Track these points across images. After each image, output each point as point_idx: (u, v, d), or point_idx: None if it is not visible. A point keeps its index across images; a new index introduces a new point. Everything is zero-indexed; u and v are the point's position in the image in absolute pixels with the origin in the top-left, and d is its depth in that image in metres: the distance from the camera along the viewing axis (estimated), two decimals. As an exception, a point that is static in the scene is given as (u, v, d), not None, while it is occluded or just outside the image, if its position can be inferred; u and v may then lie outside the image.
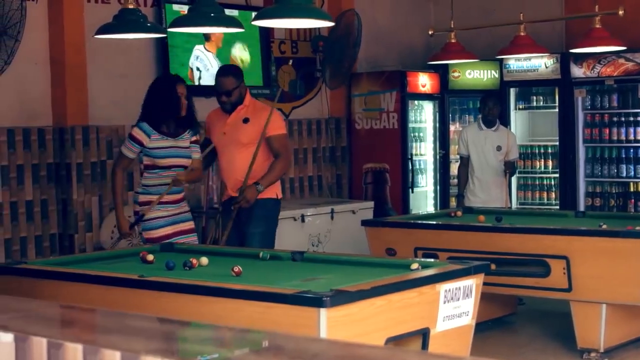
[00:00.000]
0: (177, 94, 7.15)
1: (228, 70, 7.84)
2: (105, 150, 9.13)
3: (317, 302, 4.36)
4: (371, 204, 10.80)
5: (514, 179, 11.47)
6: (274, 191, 7.66)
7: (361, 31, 11.08)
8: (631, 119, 11.19)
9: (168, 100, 7.17)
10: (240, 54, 10.43)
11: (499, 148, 9.63)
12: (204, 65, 10.12)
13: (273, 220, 7.73)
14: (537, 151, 11.93)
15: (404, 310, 4.83)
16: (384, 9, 12.34)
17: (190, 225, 7.39)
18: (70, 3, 8.87)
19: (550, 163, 11.82)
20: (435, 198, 12.12)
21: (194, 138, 7.37)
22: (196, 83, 9.95)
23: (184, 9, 9.51)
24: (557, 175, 11.64)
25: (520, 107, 12.04)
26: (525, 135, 12.05)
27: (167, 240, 6.97)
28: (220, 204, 8.03)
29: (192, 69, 9.88)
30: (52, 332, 2.52)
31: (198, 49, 10.01)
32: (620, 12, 8.77)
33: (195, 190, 9.72)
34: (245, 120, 7.55)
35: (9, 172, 8.58)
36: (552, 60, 11.40)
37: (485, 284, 5.41)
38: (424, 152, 12.05)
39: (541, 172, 11.89)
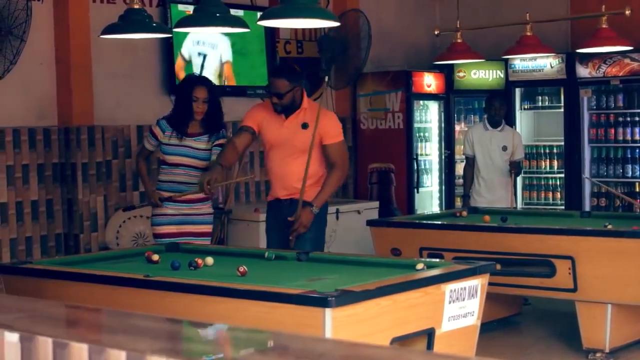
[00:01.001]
0: (190, 96, 7.18)
1: (281, 71, 7.35)
2: (110, 150, 9.14)
3: (322, 302, 4.35)
4: (376, 204, 10.80)
5: (519, 179, 11.46)
6: None
7: (371, 36, 11.06)
8: (637, 119, 11.18)
9: (180, 102, 7.30)
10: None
11: (504, 148, 9.61)
12: (210, 45, 10.07)
13: (323, 224, 7.35)
14: (542, 151, 11.92)
15: (409, 311, 4.83)
16: (389, 9, 12.33)
17: (203, 228, 7.32)
18: (75, 3, 8.88)
19: (555, 163, 11.81)
20: (440, 198, 12.12)
21: (219, 142, 7.33)
22: (197, 71, 9.84)
23: (189, 8, 9.51)
24: (562, 175, 11.63)
25: (526, 107, 12.03)
26: (530, 135, 12.04)
27: (173, 240, 6.96)
28: (267, 204, 7.50)
29: (185, 59, 9.82)
30: (58, 332, 2.52)
31: (195, 34, 9.85)
32: (627, 12, 8.76)
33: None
34: (304, 126, 7.06)
35: (14, 171, 8.59)
36: (557, 60, 11.39)
37: (490, 284, 5.41)
38: (429, 152, 12.05)
39: (546, 172, 11.89)
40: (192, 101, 7.19)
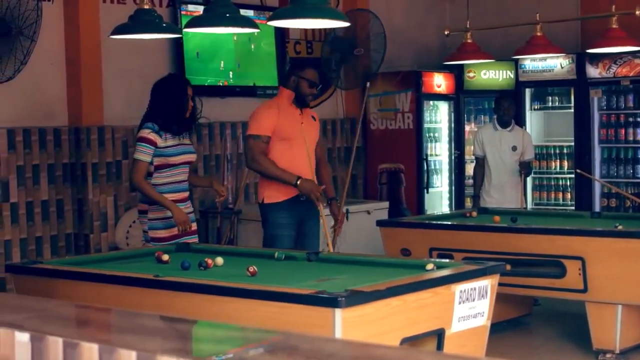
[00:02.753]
0: (186, 94, 7.08)
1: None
2: (120, 150, 9.15)
3: (332, 302, 4.36)
4: (386, 204, 10.79)
5: (529, 180, 11.45)
6: (260, 196, 7.70)
7: (385, 37, 11.06)
8: (647, 119, 11.17)
9: (173, 101, 7.06)
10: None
11: (514, 148, 9.60)
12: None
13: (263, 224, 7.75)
14: (552, 152, 11.91)
15: (419, 311, 4.83)
16: (399, 9, 12.32)
17: (194, 225, 7.21)
18: (85, 3, 8.89)
19: (565, 163, 11.79)
20: (450, 198, 12.11)
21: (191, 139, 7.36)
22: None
23: (199, 9, 9.52)
24: (572, 175, 11.61)
25: (536, 107, 12.01)
26: (540, 135, 12.02)
27: (169, 243, 6.89)
28: (278, 204, 7.52)
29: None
30: (68, 332, 2.52)
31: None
32: (637, 12, 8.73)
33: (210, 190, 9.73)
34: (314, 118, 7.72)
35: (24, 172, 8.61)
36: (567, 60, 11.37)
37: (500, 284, 5.40)
38: (439, 152, 12.04)
39: (556, 173, 11.87)
40: (187, 99, 7.10)
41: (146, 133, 6.96)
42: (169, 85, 7.16)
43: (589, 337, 7.39)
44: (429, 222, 8.58)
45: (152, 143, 6.96)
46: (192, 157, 7.20)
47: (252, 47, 10.33)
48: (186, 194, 7.17)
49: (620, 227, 7.51)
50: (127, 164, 9.19)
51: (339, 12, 7.03)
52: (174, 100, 7.05)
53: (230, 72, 10.12)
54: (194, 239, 7.14)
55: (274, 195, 7.47)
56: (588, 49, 9.94)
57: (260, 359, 2.24)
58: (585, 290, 7.28)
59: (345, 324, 4.35)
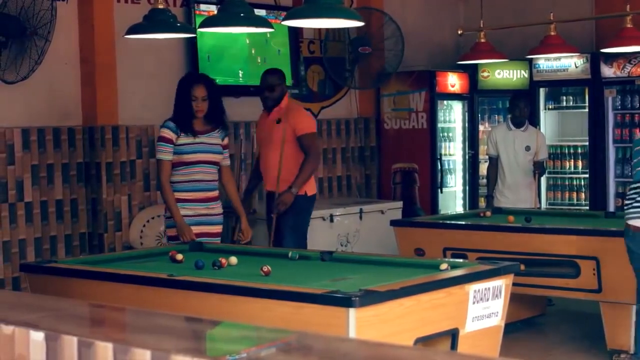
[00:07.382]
0: (190, 95, 7.10)
1: (274, 70, 8.45)
2: (134, 150, 9.16)
3: (346, 302, 4.36)
4: (400, 204, 10.78)
5: (543, 179, 11.42)
6: (303, 189, 8.04)
7: (402, 38, 11.09)
8: (662, 119, 11.13)
9: (180, 102, 7.17)
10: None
11: (528, 148, 9.58)
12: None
13: (303, 214, 8.20)
14: (566, 151, 11.87)
15: (433, 311, 4.82)
16: (413, 9, 12.31)
17: (216, 229, 7.24)
18: (100, 3, 8.91)
19: (580, 163, 11.76)
20: (464, 198, 12.10)
21: (224, 142, 7.33)
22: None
23: (212, 9, 9.53)
24: (586, 175, 11.57)
25: (550, 107, 11.98)
26: (554, 135, 11.99)
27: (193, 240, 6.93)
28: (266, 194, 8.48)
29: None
30: (83, 331, 2.53)
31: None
32: (652, 12, 8.71)
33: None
34: (278, 121, 8.02)
35: (39, 171, 8.63)
36: (582, 60, 11.34)
37: (514, 284, 5.40)
38: (453, 152, 12.03)
39: (571, 173, 11.83)
40: (191, 100, 7.10)
41: (163, 132, 7.13)
42: (177, 86, 7.28)
43: (603, 338, 7.38)
44: (443, 221, 8.56)
45: (168, 141, 7.08)
46: (212, 157, 7.18)
47: (266, 46, 10.32)
48: (209, 194, 7.15)
49: (634, 227, 7.48)
50: (141, 163, 9.21)
51: (353, 11, 7.01)
52: (180, 102, 7.16)
53: (240, 72, 10.13)
54: (216, 241, 7.17)
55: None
56: (602, 48, 9.91)
57: (274, 358, 2.24)
58: (599, 290, 7.26)
59: (359, 323, 4.35)
